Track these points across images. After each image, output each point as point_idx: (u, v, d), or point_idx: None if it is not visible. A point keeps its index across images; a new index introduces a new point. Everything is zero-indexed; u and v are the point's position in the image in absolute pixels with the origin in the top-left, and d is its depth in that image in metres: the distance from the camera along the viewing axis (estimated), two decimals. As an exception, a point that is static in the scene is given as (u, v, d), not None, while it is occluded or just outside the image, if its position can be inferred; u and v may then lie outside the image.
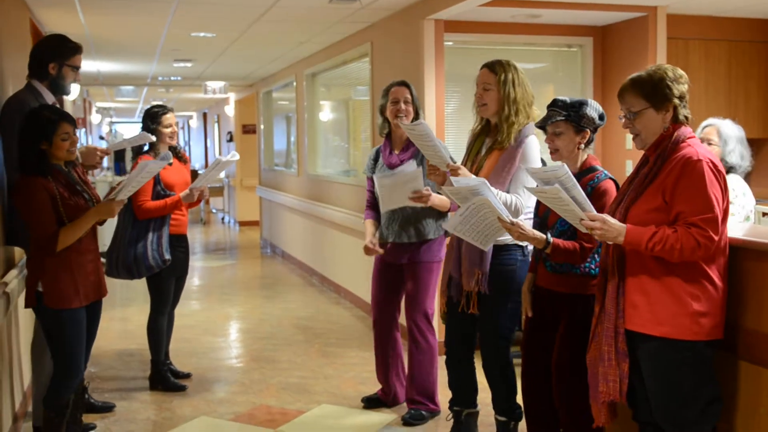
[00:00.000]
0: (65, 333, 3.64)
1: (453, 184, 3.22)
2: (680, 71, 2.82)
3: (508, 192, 3.59)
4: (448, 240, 3.92)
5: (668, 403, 2.76)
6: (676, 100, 2.78)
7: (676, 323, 2.70)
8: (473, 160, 3.73)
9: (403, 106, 4.35)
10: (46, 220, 3.53)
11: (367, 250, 4.42)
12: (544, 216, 3.32)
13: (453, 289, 3.77)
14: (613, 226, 2.70)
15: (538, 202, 3.41)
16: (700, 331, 2.70)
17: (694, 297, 2.70)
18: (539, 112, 3.66)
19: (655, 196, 2.73)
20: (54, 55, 4.13)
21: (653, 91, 2.77)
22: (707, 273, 2.71)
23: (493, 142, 3.68)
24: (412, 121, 4.35)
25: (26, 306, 3.71)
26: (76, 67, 4.20)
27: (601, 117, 3.27)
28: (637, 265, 2.78)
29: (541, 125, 3.32)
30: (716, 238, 2.65)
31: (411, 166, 4.02)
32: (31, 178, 3.55)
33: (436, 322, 4.43)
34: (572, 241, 3.15)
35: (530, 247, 3.61)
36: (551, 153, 3.31)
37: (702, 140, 4.08)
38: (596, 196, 3.12)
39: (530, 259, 3.56)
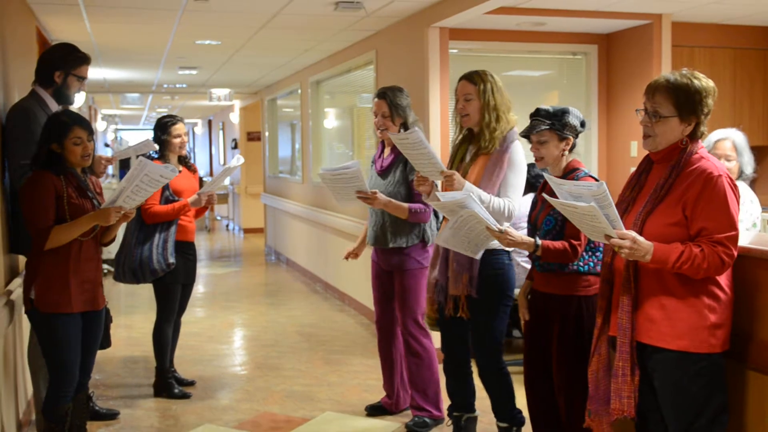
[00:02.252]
0: (56, 339, 3.58)
1: (439, 199, 3.27)
2: (712, 84, 2.76)
3: (498, 196, 3.63)
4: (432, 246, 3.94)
5: (682, 413, 2.73)
6: (701, 116, 2.74)
7: (695, 336, 2.67)
8: (457, 167, 3.77)
9: (380, 120, 4.37)
10: (44, 214, 3.50)
11: (346, 255, 4.70)
12: (534, 220, 3.39)
13: (440, 294, 3.78)
14: (642, 245, 2.63)
15: (531, 209, 3.45)
16: (716, 344, 2.68)
17: (711, 309, 2.67)
18: (516, 117, 3.76)
19: (674, 210, 2.69)
20: (60, 63, 4.14)
21: (686, 102, 2.72)
22: (720, 284, 2.69)
23: (477, 149, 3.73)
24: (399, 131, 4.37)
25: (25, 311, 3.68)
26: (82, 78, 4.21)
27: (582, 124, 3.36)
28: (653, 279, 2.73)
29: (526, 134, 3.38)
30: (736, 254, 2.65)
31: (352, 165, 4.02)
32: (43, 172, 3.54)
33: None
34: (561, 240, 3.21)
35: (525, 254, 3.65)
36: (536, 160, 3.39)
37: (719, 156, 4.00)
38: None
39: (529, 267, 3.59)
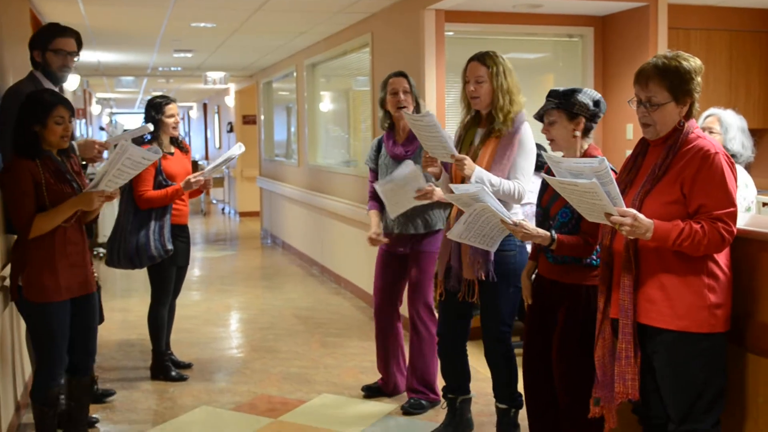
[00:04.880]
0: (48, 326, 3.56)
1: (453, 192, 3.24)
2: (699, 61, 2.76)
3: (508, 178, 3.62)
4: None
5: (682, 394, 2.74)
6: (696, 95, 2.75)
7: (695, 316, 2.68)
8: (467, 150, 3.74)
9: (402, 96, 4.35)
10: (24, 204, 3.46)
11: (371, 241, 4.46)
12: (547, 206, 3.32)
13: (453, 279, 3.77)
14: (643, 222, 2.62)
15: (541, 191, 3.39)
16: (716, 323, 2.69)
17: (710, 289, 2.68)
18: (525, 99, 3.73)
19: (672, 189, 2.69)
20: (37, 42, 4.06)
21: (680, 84, 2.72)
22: (720, 264, 2.70)
23: (488, 132, 3.70)
24: (413, 112, 4.36)
25: (11, 299, 3.65)
26: (61, 51, 4.05)
27: (596, 104, 3.24)
28: (653, 259, 2.73)
29: (539, 117, 3.32)
30: (735, 231, 2.65)
31: (407, 166, 4.02)
32: (19, 160, 3.49)
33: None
34: (576, 235, 3.16)
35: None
36: (549, 143, 3.32)
37: (704, 130, 4.08)
38: None
39: (531, 247, 3.57)
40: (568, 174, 2.70)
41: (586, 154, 3.23)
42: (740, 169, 4.15)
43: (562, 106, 3.21)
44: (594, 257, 3.19)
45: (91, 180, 3.63)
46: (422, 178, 4.02)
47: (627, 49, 6.15)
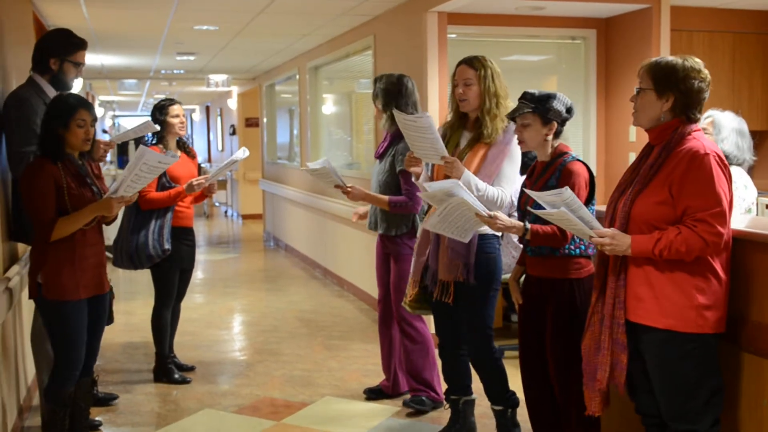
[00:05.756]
0: (65, 325, 3.60)
1: (427, 189, 3.28)
2: (699, 68, 2.80)
3: (492, 185, 3.65)
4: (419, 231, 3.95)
5: (673, 395, 2.77)
6: (678, 93, 2.77)
7: (682, 316, 2.71)
8: (452, 152, 3.76)
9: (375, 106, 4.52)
10: (45, 206, 3.50)
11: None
12: (525, 207, 3.40)
13: (429, 279, 3.81)
14: (622, 240, 2.71)
15: (520, 197, 3.48)
16: (704, 324, 2.71)
17: (699, 290, 2.70)
18: (513, 104, 3.73)
19: (661, 189, 2.73)
20: (56, 50, 4.11)
21: (662, 76, 2.78)
22: (712, 266, 2.72)
23: (477, 136, 3.72)
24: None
25: (29, 297, 3.70)
26: (79, 63, 4.17)
27: (568, 110, 3.35)
28: (643, 258, 2.77)
29: (511, 117, 3.41)
30: (725, 232, 2.66)
31: (323, 163, 4.21)
32: (43, 162, 3.54)
33: None
34: (550, 225, 3.22)
35: (515, 239, 3.61)
36: (519, 143, 3.43)
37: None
38: (564, 176, 3.24)
39: (520, 253, 3.62)
40: (547, 206, 2.85)
41: (556, 152, 3.35)
42: (739, 171, 4.15)
43: (537, 110, 3.31)
44: (572, 247, 3.26)
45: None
46: (330, 176, 4.23)
47: (630, 52, 6.15)
